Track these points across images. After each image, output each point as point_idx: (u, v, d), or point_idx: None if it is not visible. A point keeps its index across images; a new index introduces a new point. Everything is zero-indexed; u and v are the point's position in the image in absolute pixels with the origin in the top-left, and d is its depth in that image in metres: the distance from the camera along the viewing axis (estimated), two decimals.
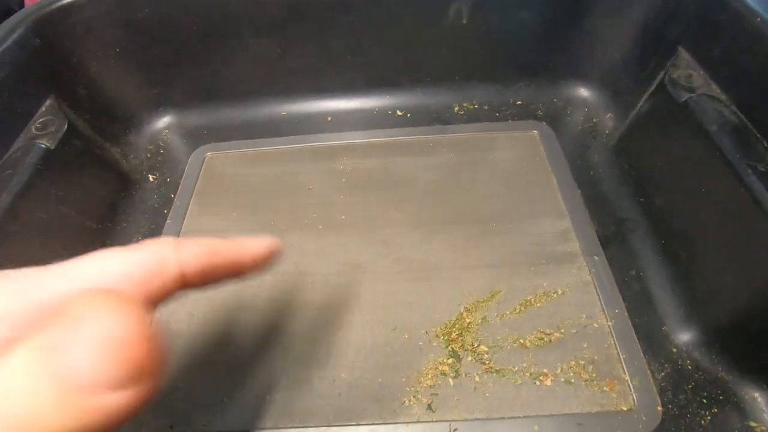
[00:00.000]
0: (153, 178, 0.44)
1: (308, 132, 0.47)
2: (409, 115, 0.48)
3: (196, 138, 0.47)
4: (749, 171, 0.27)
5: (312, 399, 0.30)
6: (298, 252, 0.38)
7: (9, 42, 0.35)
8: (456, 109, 0.48)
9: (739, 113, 0.30)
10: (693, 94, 0.33)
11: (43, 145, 0.35)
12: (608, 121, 0.44)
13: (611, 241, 0.37)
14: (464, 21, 0.43)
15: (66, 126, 0.36)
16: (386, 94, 0.49)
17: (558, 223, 0.39)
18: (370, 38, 0.45)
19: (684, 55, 0.36)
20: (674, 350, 0.30)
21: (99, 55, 0.42)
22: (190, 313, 0.35)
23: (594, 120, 0.45)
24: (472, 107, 0.48)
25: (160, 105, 0.47)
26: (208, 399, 0.31)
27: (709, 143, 0.30)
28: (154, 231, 0.39)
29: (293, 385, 0.31)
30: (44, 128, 0.36)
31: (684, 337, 0.30)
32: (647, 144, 0.38)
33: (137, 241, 0.40)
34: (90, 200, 0.39)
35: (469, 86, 0.48)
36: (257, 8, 0.42)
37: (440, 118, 0.48)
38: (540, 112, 0.47)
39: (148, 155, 0.46)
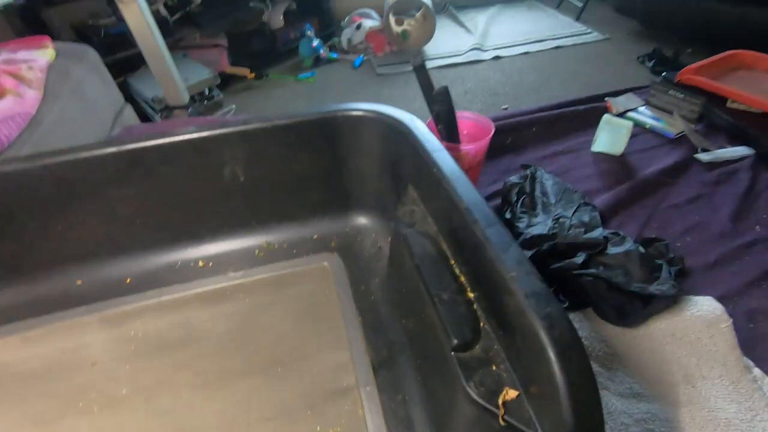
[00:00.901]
0: None
1: (107, 297, 0.46)
2: (211, 264, 0.50)
3: None
4: (436, 300, 0.31)
5: None
6: None
7: None
8: (257, 251, 0.51)
9: (440, 245, 0.36)
10: (411, 229, 0.38)
11: None
12: (387, 245, 0.49)
13: (384, 365, 0.39)
14: (242, 179, 0.48)
15: None
16: (188, 247, 0.50)
17: (339, 356, 0.40)
18: (156, 200, 0.47)
19: (411, 191, 0.42)
20: None
21: None
22: None
23: (379, 245, 0.50)
24: (272, 248, 0.51)
25: None
26: None
27: (418, 274, 0.35)
28: None
29: None
30: None
31: None
32: (400, 269, 0.43)
33: None
34: None
35: (268, 228, 0.52)
36: (27, 192, 0.43)
37: (242, 263, 0.50)
38: (334, 243, 0.51)
39: None
